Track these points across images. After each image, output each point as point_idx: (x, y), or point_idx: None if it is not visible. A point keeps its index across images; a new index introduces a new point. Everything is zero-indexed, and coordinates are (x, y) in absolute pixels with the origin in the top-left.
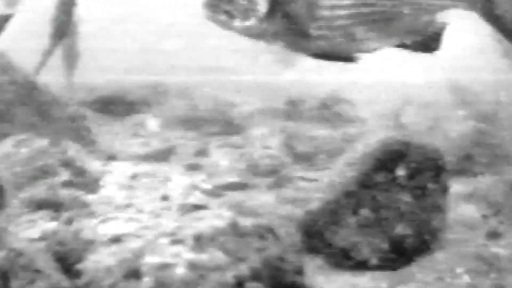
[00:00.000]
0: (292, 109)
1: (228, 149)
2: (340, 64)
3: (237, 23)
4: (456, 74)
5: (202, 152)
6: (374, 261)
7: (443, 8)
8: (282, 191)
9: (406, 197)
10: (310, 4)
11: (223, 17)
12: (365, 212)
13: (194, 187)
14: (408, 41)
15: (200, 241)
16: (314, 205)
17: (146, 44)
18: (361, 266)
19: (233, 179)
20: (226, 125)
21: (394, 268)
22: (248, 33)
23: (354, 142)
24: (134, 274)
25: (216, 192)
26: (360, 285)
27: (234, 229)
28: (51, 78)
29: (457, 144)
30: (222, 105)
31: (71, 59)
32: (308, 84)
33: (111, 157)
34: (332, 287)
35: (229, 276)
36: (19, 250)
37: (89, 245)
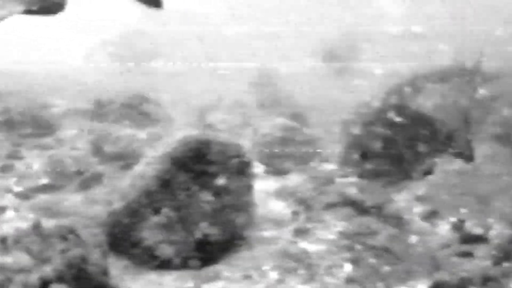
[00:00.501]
0: (100, 110)
1: (39, 151)
2: None
3: None
4: None
5: (13, 155)
6: (177, 260)
7: None
8: (89, 192)
9: (207, 196)
10: None
11: None
12: (166, 211)
13: (7, 190)
14: (34, 7)
15: (5, 243)
16: (117, 206)
17: None
18: (166, 265)
19: (43, 181)
20: (37, 126)
21: (199, 267)
22: None
23: (157, 142)
24: None
25: (28, 194)
26: (165, 284)
27: (38, 231)
28: None
29: (266, 141)
30: (35, 107)
31: None
32: None
33: None
34: (137, 286)
35: (34, 278)
36: None
37: None
